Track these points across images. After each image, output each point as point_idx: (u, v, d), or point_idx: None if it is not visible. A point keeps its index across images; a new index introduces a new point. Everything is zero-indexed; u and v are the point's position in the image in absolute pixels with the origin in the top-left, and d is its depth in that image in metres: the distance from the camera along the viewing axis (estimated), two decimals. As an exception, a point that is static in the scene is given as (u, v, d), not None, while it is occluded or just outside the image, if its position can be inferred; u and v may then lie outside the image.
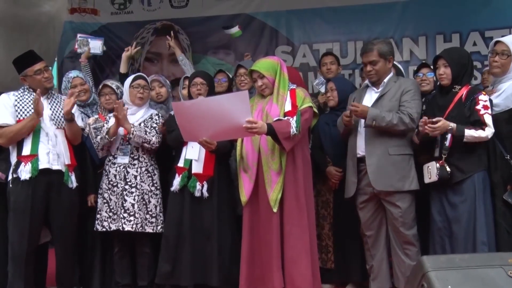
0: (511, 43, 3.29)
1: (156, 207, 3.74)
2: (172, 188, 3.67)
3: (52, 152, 3.53)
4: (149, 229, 3.67)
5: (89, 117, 3.97)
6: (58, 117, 3.60)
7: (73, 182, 3.60)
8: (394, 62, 3.71)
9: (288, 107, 3.38)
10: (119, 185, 3.68)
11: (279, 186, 3.32)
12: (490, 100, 3.26)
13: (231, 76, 4.59)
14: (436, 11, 5.34)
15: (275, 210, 3.31)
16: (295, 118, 3.30)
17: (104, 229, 3.67)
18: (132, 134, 3.59)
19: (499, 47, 3.32)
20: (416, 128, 3.35)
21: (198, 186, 3.61)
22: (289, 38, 5.69)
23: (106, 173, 3.75)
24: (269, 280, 3.32)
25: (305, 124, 3.38)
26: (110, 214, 3.67)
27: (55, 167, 3.53)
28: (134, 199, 3.65)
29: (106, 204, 3.69)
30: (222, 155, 3.70)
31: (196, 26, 5.84)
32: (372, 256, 3.53)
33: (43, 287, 3.86)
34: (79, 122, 3.75)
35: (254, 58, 5.29)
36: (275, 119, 3.33)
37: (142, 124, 3.74)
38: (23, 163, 3.47)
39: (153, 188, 3.74)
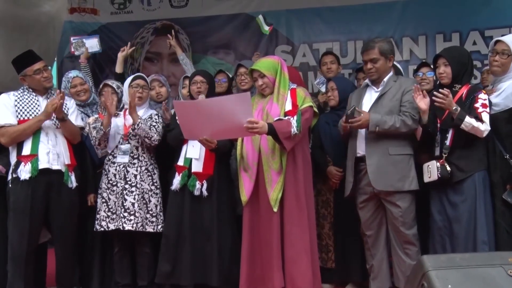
0: (511, 43, 3.28)
1: (156, 206, 3.74)
2: (172, 187, 3.67)
3: (52, 152, 3.53)
4: (149, 229, 3.67)
5: (89, 116, 3.97)
6: (57, 117, 3.60)
7: (73, 182, 3.60)
8: (394, 62, 3.71)
9: (288, 106, 3.38)
10: (119, 185, 3.68)
11: (280, 186, 3.32)
12: (489, 100, 3.26)
13: (231, 76, 4.59)
14: (436, 11, 5.33)
15: (275, 209, 3.31)
16: (295, 117, 3.30)
17: (102, 229, 3.67)
18: (138, 125, 3.59)
19: (499, 47, 3.31)
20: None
21: (198, 185, 3.61)
22: (289, 37, 5.68)
23: (105, 173, 3.75)
24: (269, 279, 3.32)
25: (305, 124, 3.38)
26: (109, 213, 3.66)
27: (55, 167, 3.53)
28: (134, 198, 3.65)
29: (105, 204, 3.69)
30: (222, 155, 3.70)
31: (196, 26, 5.83)
32: (372, 255, 3.53)
33: (42, 287, 3.85)
34: (79, 121, 3.75)
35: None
36: (275, 118, 3.33)
37: None
38: (23, 163, 3.47)
39: (153, 187, 3.74)
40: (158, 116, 3.84)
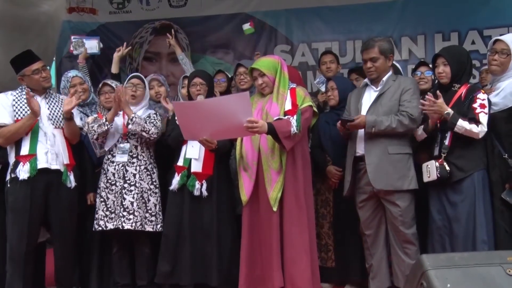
0: (511, 42, 3.28)
1: (155, 205, 3.73)
2: (171, 187, 3.67)
3: (50, 152, 3.53)
4: (149, 228, 3.67)
5: (88, 116, 3.96)
6: (56, 116, 3.59)
7: (71, 181, 3.60)
8: (393, 62, 3.71)
9: (288, 106, 3.38)
10: (117, 184, 3.68)
11: (279, 185, 3.32)
12: (489, 100, 3.26)
13: (230, 76, 4.59)
14: (434, 10, 5.34)
15: (275, 209, 3.30)
16: (295, 117, 3.30)
17: (100, 228, 3.66)
18: (132, 120, 3.58)
19: (498, 46, 3.31)
20: (417, 127, 3.35)
21: (197, 185, 3.61)
22: (288, 37, 5.68)
23: (104, 172, 3.75)
24: (269, 279, 3.31)
25: (305, 123, 3.38)
26: (107, 213, 3.66)
27: (54, 166, 3.53)
28: (133, 197, 3.65)
29: (103, 203, 3.68)
30: (221, 155, 3.70)
31: (195, 25, 5.83)
32: (372, 255, 3.53)
33: (42, 287, 3.85)
34: (78, 121, 3.75)
35: (253, 58, 5.28)
36: (275, 118, 3.32)
37: None
38: (21, 163, 3.46)
39: (152, 187, 3.74)
40: (157, 115, 3.84)
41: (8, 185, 3.50)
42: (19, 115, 3.51)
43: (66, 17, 5.86)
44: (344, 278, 3.83)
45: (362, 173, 3.45)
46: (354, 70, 4.39)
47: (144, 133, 3.65)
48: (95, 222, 3.70)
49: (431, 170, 3.23)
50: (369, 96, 3.52)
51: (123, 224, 3.60)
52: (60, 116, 3.59)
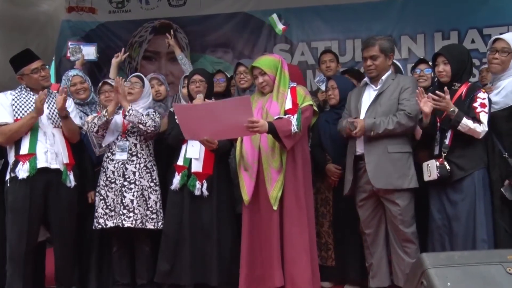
0: (511, 40, 3.28)
1: (156, 203, 3.73)
2: (172, 187, 3.67)
3: (50, 151, 3.52)
4: (150, 226, 3.67)
5: (88, 115, 3.97)
6: (55, 116, 3.59)
7: (71, 181, 3.59)
8: (394, 60, 3.71)
9: (288, 105, 3.38)
10: (117, 182, 3.68)
11: (280, 184, 3.32)
12: (489, 99, 3.25)
13: (229, 76, 4.58)
14: (434, 9, 5.35)
15: (275, 208, 3.30)
16: (296, 116, 3.30)
17: (100, 226, 3.66)
18: (129, 112, 3.59)
19: (498, 45, 3.31)
20: (416, 125, 3.35)
21: (198, 185, 3.61)
22: (287, 36, 5.69)
23: (104, 170, 3.74)
24: (269, 279, 3.31)
25: (305, 122, 3.38)
26: (107, 211, 3.66)
27: (53, 166, 3.52)
28: (133, 195, 3.65)
29: (103, 201, 3.68)
30: (221, 154, 3.69)
31: (194, 24, 5.84)
32: (372, 254, 3.53)
33: (42, 286, 3.85)
34: (77, 120, 3.74)
35: (252, 57, 5.29)
36: (275, 117, 3.32)
37: None
38: (21, 162, 3.46)
39: (152, 184, 3.74)
40: (156, 112, 3.84)
41: (8, 185, 3.49)
42: (18, 115, 3.51)
43: (65, 17, 5.87)
44: (344, 277, 3.83)
45: (362, 172, 3.45)
46: (346, 72, 4.39)
47: (141, 125, 3.64)
48: (94, 220, 3.69)
49: (431, 169, 3.23)
50: (369, 95, 3.52)
51: (123, 222, 3.60)
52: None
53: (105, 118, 3.62)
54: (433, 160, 3.24)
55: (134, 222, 3.61)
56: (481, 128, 3.15)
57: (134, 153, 3.73)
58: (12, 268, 3.46)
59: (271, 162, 3.34)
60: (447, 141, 3.24)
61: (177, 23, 5.86)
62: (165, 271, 3.62)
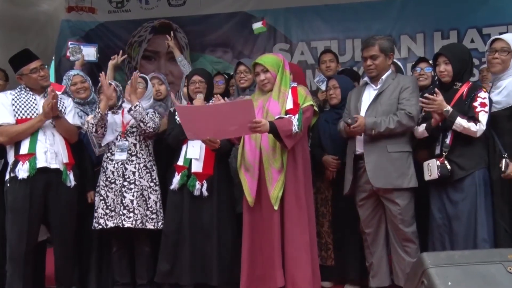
0: (510, 40, 3.28)
1: (156, 203, 3.73)
2: (172, 187, 3.66)
3: (49, 151, 3.52)
4: (150, 226, 3.67)
5: (88, 115, 3.96)
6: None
7: (71, 180, 3.59)
8: (394, 60, 3.71)
9: (289, 105, 3.37)
10: (117, 182, 3.67)
11: (280, 184, 3.31)
12: (490, 99, 3.25)
13: (228, 77, 4.58)
14: (434, 9, 5.36)
15: (276, 207, 3.30)
16: (297, 116, 3.29)
17: (100, 227, 3.66)
18: (135, 107, 3.60)
19: (497, 45, 3.30)
20: (415, 125, 3.35)
21: (198, 185, 3.60)
22: (287, 35, 5.69)
23: (103, 170, 3.74)
24: (271, 278, 3.31)
25: (306, 123, 3.37)
26: (107, 211, 3.66)
27: (53, 165, 3.52)
28: (133, 195, 3.64)
29: (103, 201, 3.68)
30: (221, 154, 3.69)
31: (194, 24, 5.84)
32: (372, 253, 3.53)
33: (42, 286, 3.85)
34: (76, 120, 3.74)
35: (252, 56, 5.29)
36: (276, 117, 3.32)
37: None
38: (20, 162, 3.45)
39: (152, 184, 3.74)
40: (155, 113, 3.84)
41: (8, 185, 3.49)
42: (19, 115, 3.51)
43: (65, 16, 5.87)
44: (344, 277, 3.83)
45: (361, 172, 3.45)
46: (342, 72, 4.40)
47: (141, 124, 3.64)
48: (94, 220, 3.69)
49: (432, 168, 3.23)
50: (369, 94, 3.52)
51: (123, 222, 3.60)
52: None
53: (99, 115, 3.62)
54: (434, 160, 3.24)
55: (134, 222, 3.61)
56: (477, 127, 3.15)
57: (133, 153, 3.73)
58: (12, 268, 3.45)
59: (272, 162, 3.34)
60: (448, 141, 3.24)
61: (176, 22, 5.87)
62: (165, 271, 3.62)
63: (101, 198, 3.69)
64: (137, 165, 3.71)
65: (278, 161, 3.33)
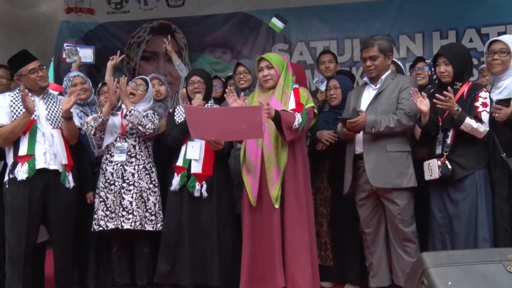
0: (509, 41, 3.29)
1: (155, 204, 3.72)
2: (171, 188, 3.66)
3: (49, 152, 3.51)
4: (149, 227, 3.66)
5: (88, 116, 3.96)
6: (54, 117, 3.58)
7: (70, 182, 3.58)
8: (394, 60, 3.72)
9: (292, 105, 3.40)
10: (116, 183, 3.67)
11: (280, 184, 3.32)
12: (491, 98, 3.25)
13: (227, 77, 4.58)
14: (432, 8, 5.36)
15: (276, 206, 3.30)
16: (301, 114, 3.32)
17: (100, 228, 3.65)
18: (130, 112, 3.59)
19: (496, 46, 3.31)
20: (415, 124, 3.35)
21: (197, 186, 3.60)
22: (286, 36, 5.69)
23: (103, 172, 3.74)
24: (271, 279, 3.31)
25: (308, 123, 3.39)
26: (107, 212, 3.65)
27: (52, 167, 3.51)
28: (132, 197, 3.64)
29: (103, 203, 3.67)
30: (221, 155, 3.69)
31: (193, 25, 5.84)
32: (372, 253, 3.53)
33: (41, 287, 3.85)
34: (77, 121, 3.74)
35: (251, 57, 5.30)
36: (280, 109, 3.33)
37: None
38: (19, 163, 3.44)
39: (151, 186, 3.73)
40: (155, 114, 3.84)
41: (7, 186, 3.48)
42: (17, 116, 3.50)
43: (64, 17, 5.88)
44: (344, 277, 3.83)
45: (361, 171, 3.45)
46: (339, 73, 4.39)
47: (140, 127, 3.64)
48: (94, 222, 3.68)
49: (433, 168, 3.23)
50: (368, 94, 3.52)
51: (123, 224, 3.59)
52: (58, 116, 3.58)
53: (100, 119, 3.62)
54: (435, 160, 3.24)
55: (133, 224, 3.60)
56: (483, 128, 3.15)
57: (132, 155, 3.72)
58: (12, 269, 3.44)
59: (273, 161, 3.35)
60: (449, 141, 3.24)
61: (175, 23, 5.87)
62: (165, 272, 3.62)
63: (101, 199, 3.69)
64: (136, 167, 3.71)
65: (279, 161, 3.33)
